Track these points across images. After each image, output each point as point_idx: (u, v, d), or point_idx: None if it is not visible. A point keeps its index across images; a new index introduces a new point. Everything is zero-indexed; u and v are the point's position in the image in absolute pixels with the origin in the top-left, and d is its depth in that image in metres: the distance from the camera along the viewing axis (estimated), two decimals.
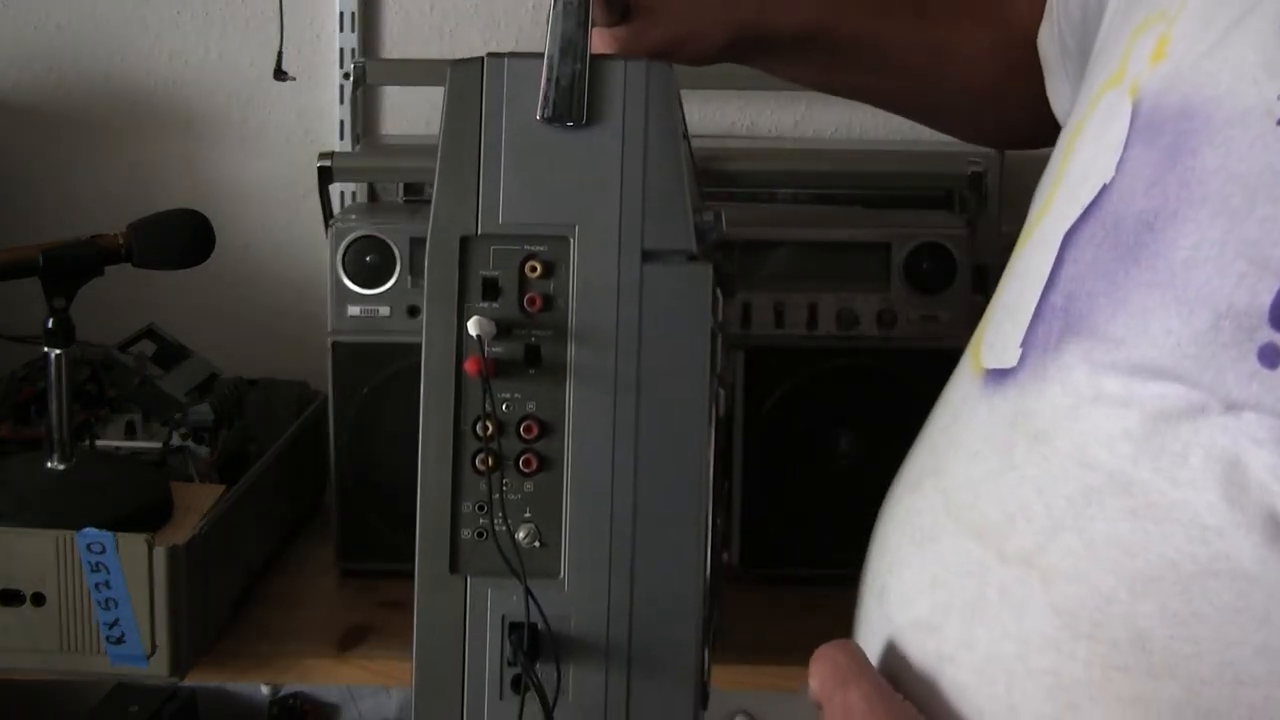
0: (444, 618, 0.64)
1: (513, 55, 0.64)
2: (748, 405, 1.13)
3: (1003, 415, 0.57)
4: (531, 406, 0.64)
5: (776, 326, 1.13)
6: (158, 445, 1.17)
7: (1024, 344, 0.57)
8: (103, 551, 0.96)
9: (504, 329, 0.64)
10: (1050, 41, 0.79)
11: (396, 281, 1.12)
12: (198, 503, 1.08)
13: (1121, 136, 0.56)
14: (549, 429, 0.64)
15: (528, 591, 0.62)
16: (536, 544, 0.64)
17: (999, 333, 0.60)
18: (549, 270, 0.64)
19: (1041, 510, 0.54)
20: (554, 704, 0.62)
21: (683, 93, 0.67)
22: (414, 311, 1.12)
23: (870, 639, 0.63)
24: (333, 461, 1.14)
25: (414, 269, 1.12)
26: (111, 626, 0.98)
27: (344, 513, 1.15)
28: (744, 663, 1.02)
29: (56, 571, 0.97)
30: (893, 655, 0.60)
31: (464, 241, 0.64)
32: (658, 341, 0.63)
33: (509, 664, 0.63)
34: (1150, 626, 0.50)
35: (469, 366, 0.62)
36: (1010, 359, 0.58)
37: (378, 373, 1.13)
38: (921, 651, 0.58)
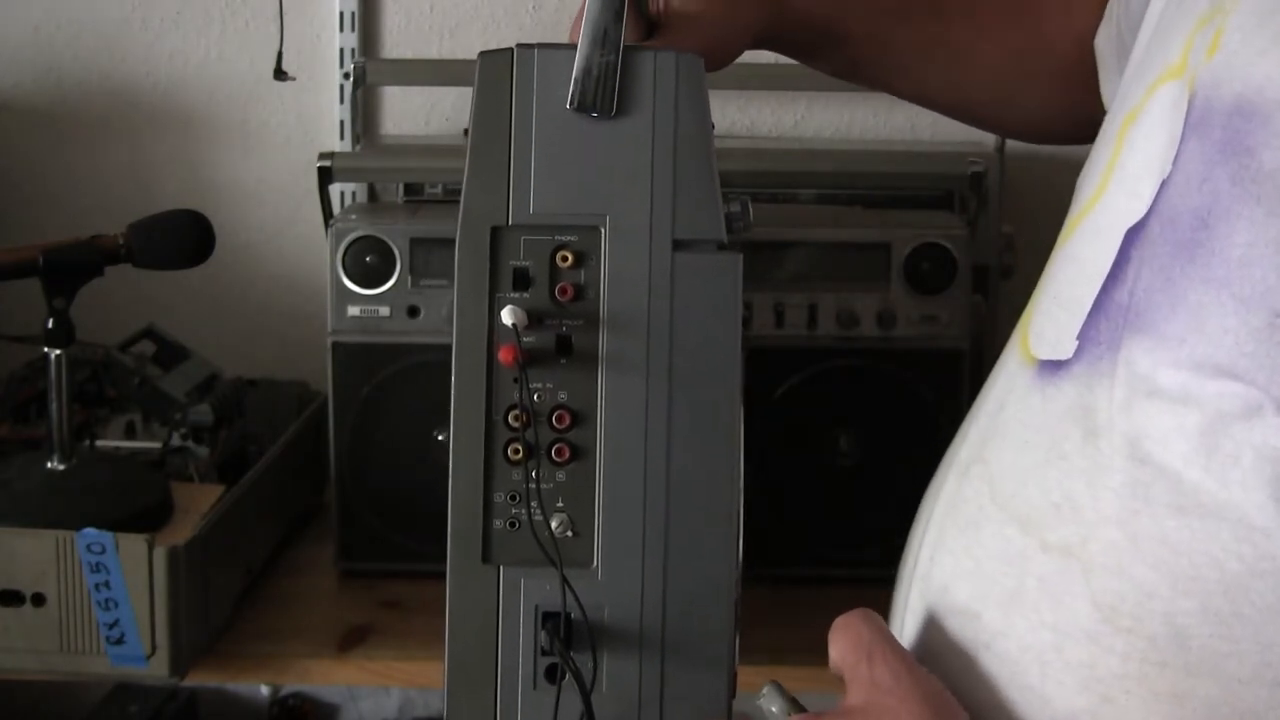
0: (476, 608, 0.64)
1: (543, 46, 0.64)
2: (748, 405, 1.12)
3: (1057, 407, 0.57)
4: (563, 396, 0.64)
5: (776, 326, 1.13)
6: (158, 445, 1.17)
7: (1080, 336, 0.57)
8: (103, 552, 0.96)
9: (535, 319, 0.64)
10: (1108, 42, 0.79)
11: (396, 281, 1.12)
12: (198, 503, 1.08)
13: (1178, 132, 0.55)
14: (581, 418, 0.64)
15: (564, 580, 0.62)
16: (569, 534, 0.64)
17: (1051, 322, 0.60)
18: (580, 260, 0.64)
19: (1088, 502, 0.54)
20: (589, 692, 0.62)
21: None
22: (414, 311, 1.12)
23: (909, 622, 0.63)
24: (333, 461, 1.14)
25: (414, 269, 1.12)
26: (111, 627, 0.98)
27: (344, 513, 1.15)
28: (742, 663, 1.01)
29: (56, 571, 0.97)
30: (932, 640, 0.60)
31: (495, 232, 0.64)
32: (689, 330, 0.63)
33: (543, 653, 0.63)
34: (1190, 624, 0.51)
35: (504, 355, 0.62)
36: (1065, 350, 0.57)
37: (378, 373, 1.13)
38: (960, 638, 0.58)
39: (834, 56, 0.83)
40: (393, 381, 1.13)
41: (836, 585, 1.10)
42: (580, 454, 0.64)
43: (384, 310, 1.12)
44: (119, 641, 0.98)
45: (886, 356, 1.13)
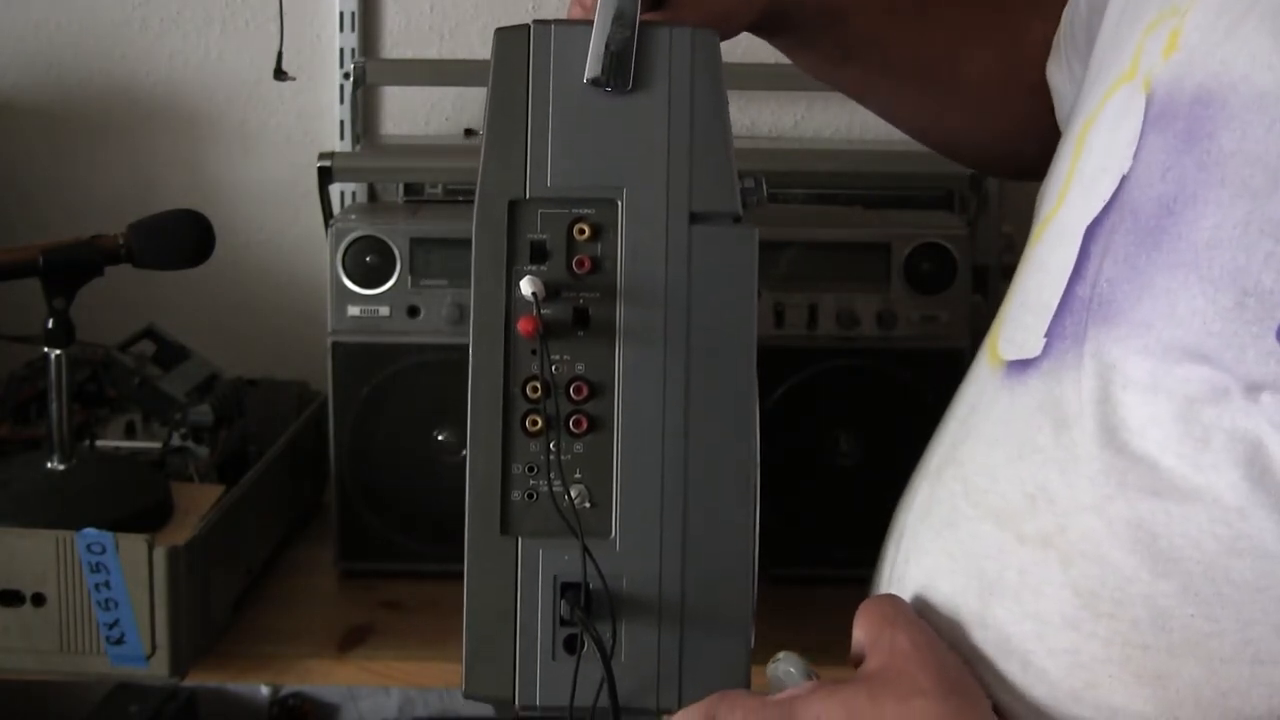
0: (495, 580, 0.64)
1: (559, 21, 0.65)
2: None
3: (1026, 403, 0.58)
4: (580, 368, 0.65)
5: (776, 326, 1.13)
6: (158, 445, 1.17)
7: (1048, 334, 0.58)
8: (103, 552, 0.96)
9: (552, 291, 0.64)
10: (1059, 72, 0.80)
11: (396, 281, 1.12)
12: (198, 503, 1.08)
13: (1136, 129, 0.56)
14: (598, 390, 0.64)
15: (585, 550, 0.62)
16: (587, 504, 0.64)
17: (1019, 326, 0.60)
18: (597, 233, 0.65)
19: (1063, 491, 0.55)
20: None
21: None
22: (414, 311, 1.12)
23: None
24: (333, 461, 1.14)
25: (414, 269, 1.12)
26: (111, 627, 0.98)
27: (344, 513, 1.15)
28: None
29: (56, 571, 0.97)
30: None
31: (512, 205, 0.64)
32: (705, 302, 0.64)
33: (562, 623, 0.64)
34: (1171, 605, 0.51)
35: (523, 326, 0.63)
36: (1033, 349, 0.58)
37: (378, 373, 1.13)
38: (940, 633, 0.58)
39: (831, 48, 0.84)
40: (393, 381, 1.13)
41: (836, 585, 1.10)
42: (598, 425, 0.65)
43: (384, 310, 1.12)
44: (119, 641, 0.98)
45: (886, 356, 1.13)
